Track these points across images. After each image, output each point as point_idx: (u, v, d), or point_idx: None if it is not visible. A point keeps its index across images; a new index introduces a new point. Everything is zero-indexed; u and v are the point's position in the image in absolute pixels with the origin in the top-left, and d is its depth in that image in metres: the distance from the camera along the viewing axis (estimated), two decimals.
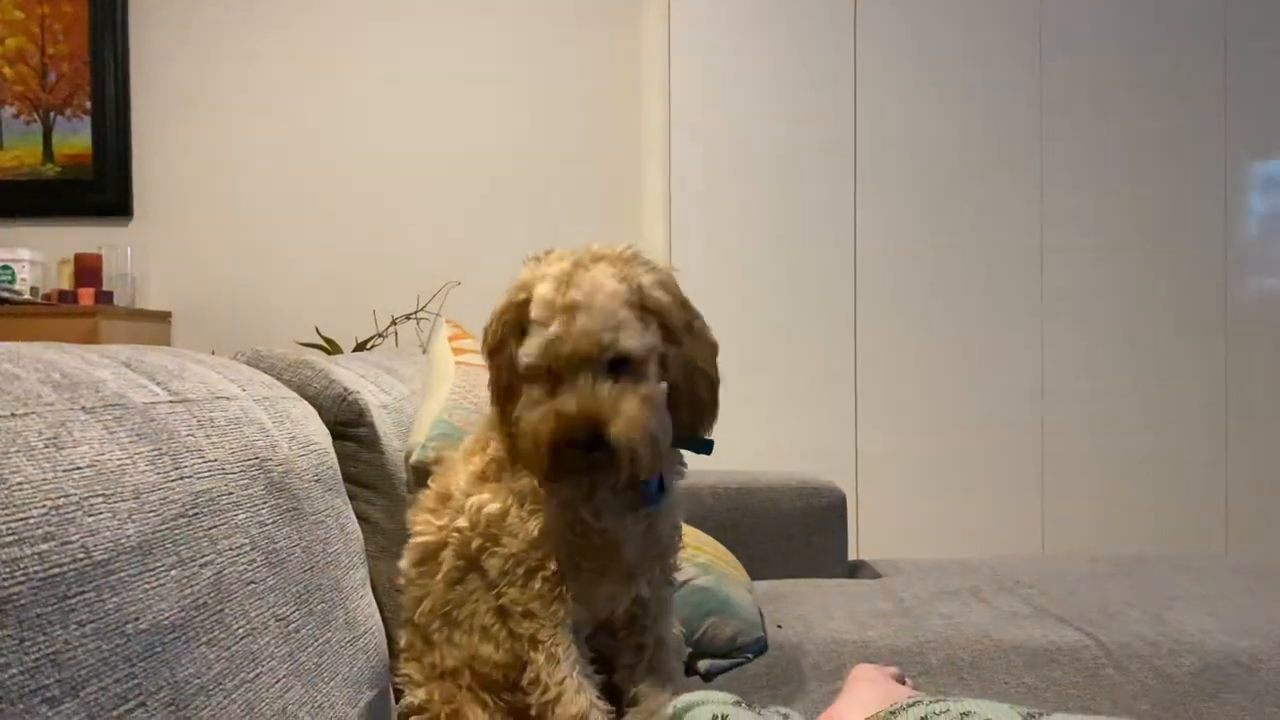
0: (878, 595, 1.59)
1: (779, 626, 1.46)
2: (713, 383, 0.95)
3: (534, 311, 0.88)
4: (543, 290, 0.88)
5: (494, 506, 0.95)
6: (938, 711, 0.74)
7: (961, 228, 3.02)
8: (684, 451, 1.02)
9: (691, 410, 0.93)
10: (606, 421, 0.84)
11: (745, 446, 2.88)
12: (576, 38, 3.39)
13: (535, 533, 0.93)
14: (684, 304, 0.94)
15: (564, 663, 0.92)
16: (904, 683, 0.96)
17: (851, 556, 2.06)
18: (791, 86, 2.99)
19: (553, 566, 0.93)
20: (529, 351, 0.88)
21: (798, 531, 1.94)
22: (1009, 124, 3.02)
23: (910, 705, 0.77)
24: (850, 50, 2.98)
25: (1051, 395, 3.03)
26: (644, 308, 0.89)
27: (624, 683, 0.99)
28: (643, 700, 0.96)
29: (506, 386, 0.92)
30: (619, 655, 1.01)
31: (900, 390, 2.99)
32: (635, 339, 0.87)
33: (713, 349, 0.97)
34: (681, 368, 0.91)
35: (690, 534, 1.61)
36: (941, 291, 3.01)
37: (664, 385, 0.89)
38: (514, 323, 0.91)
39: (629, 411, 0.85)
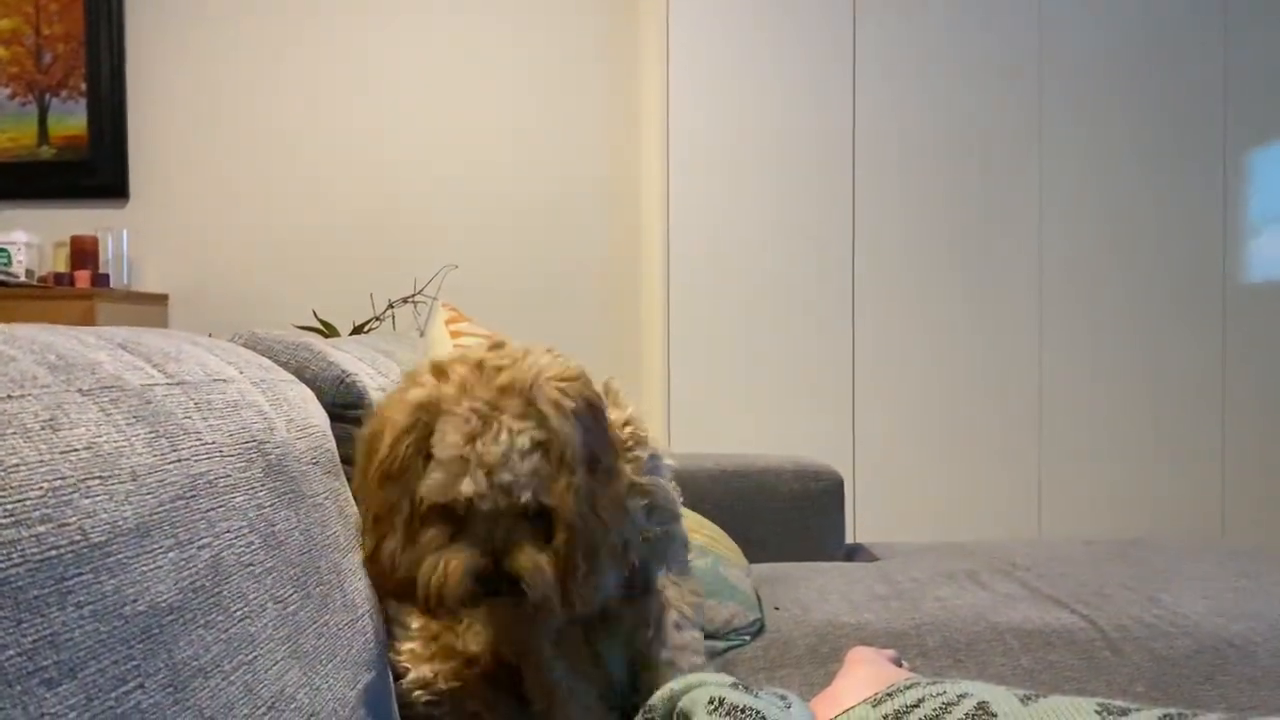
0: (874, 578, 1.60)
1: (776, 609, 1.46)
2: (603, 530, 0.86)
3: (439, 452, 0.82)
4: (450, 435, 0.82)
5: None
6: (934, 693, 0.74)
7: (960, 212, 3.01)
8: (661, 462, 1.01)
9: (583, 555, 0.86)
10: (522, 577, 0.82)
11: (743, 430, 2.90)
12: (575, 22, 3.38)
13: None
14: (604, 446, 0.88)
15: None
16: (900, 665, 0.96)
17: (848, 540, 2.07)
18: (790, 74, 2.98)
19: None
20: (436, 497, 0.82)
21: (795, 515, 1.94)
22: (1008, 111, 3.02)
23: (907, 687, 0.77)
24: (849, 39, 2.97)
25: (1049, 379, 3.03)
26: (560, 458, 0.83)
27: None
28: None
29: (400, 520, 0.84)
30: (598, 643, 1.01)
31: (897, 374, 3.00)
32: (550, 493, 0.83)
33: (616, 501, 0.89)
34: (585, 502, 0.85)
35: (688, 516, 1.61)
36: (939, 276, 3.01)
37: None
38: (416, 448, 0.84)
39: (543, 566, 0.82)
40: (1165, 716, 0.64)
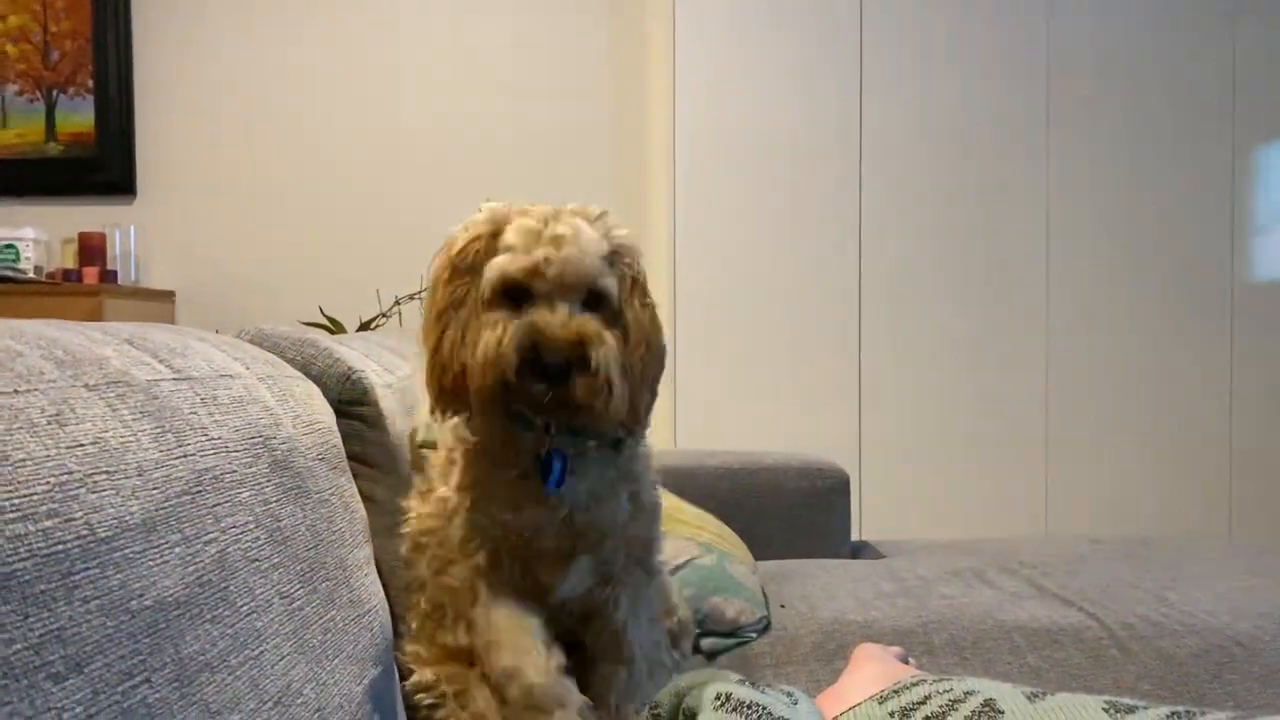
0: (881, 576, 1.60)
1: (782, 606, 1.46)
2: (658, 355, 0.89)
3: (512, 238, 0.84)
4: (524, 222, 0.85)
5: (427, 509, 0.95)
6: (941, 690, 0.74)
7: (967, 211, 3.01)
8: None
9: (649, 338, 0.88)
10: (590, 342, 0.80)
11: (749, 428, 2.90)
12: (581, 20, 3.38)
13: (461, 532, 0.92)
14: (642, 272, 0.91)
15: (495, 615, 0.91)
16: (907, 663, 0.96)
17: (854, 537, 2.06)
18: (797, 72, 2.98)
19: (483, 555, 0.92)
20: (507, 266, 0.83)
21: (801, 512, 1.94)
22: (1016, 108, 3.01)
23: (913, 684, 0.77)
24: (856, 35, 2.97)
25: (1056, 378, 3.02)
26: (614, 262, 0.87)
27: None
28: (593, 686, 0.95)
29: (465, 313, 0.85)
30: (587, 639, 1.00)
31: (904, 372, 2.99)
32: (612, 281, 0.85)
33: (658, 329, 0.91)
34: (633, 329, 0.86)
35: (693, 514, 1.61)
36: (946, 274, 3.00)
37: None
38: (487, 249, 0.86)
39: (610, 341, 0.81)
40: (1173, 714, 0.64)
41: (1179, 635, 1.30)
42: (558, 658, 0.91)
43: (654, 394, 0.89)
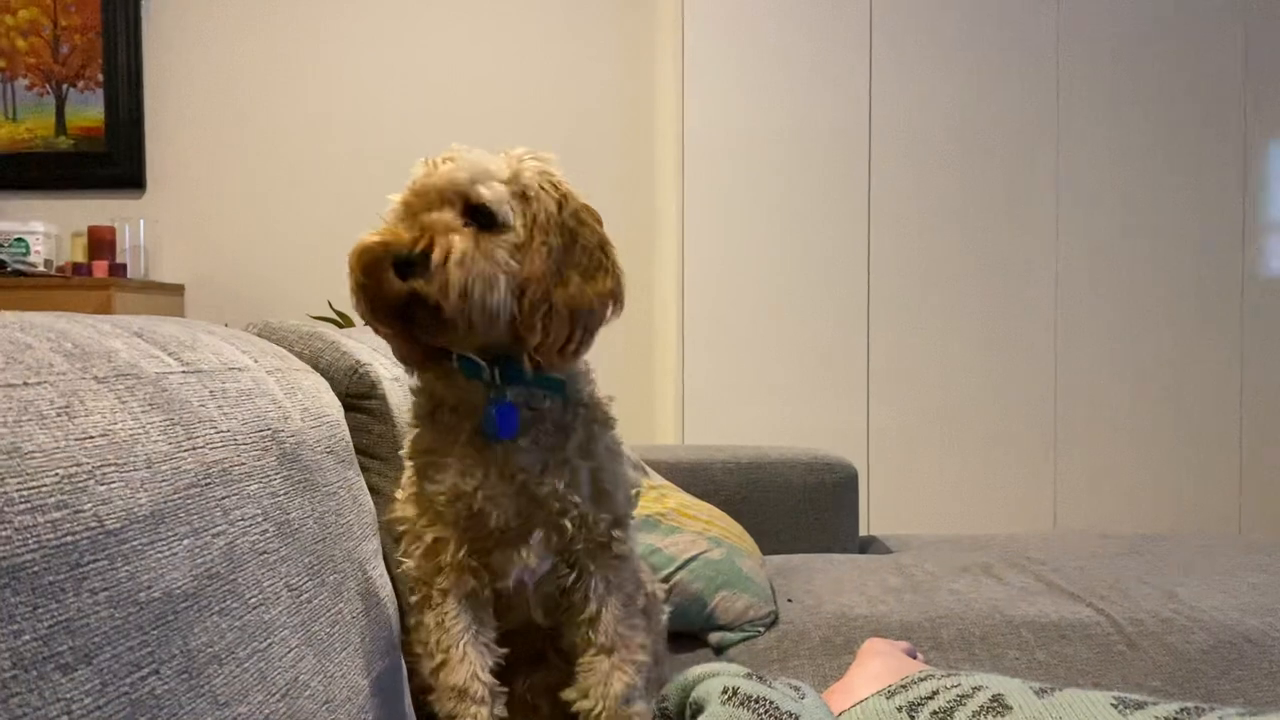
0: (889, 570, 1.60)
1: (790, 601, 1.46)
2: (601, 244, 0.89)
3: (416, 168, 0.88)
4: (435, 156, 0.89)
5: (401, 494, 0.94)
6: (949, 685, 0.73)
7: (976, 205, 3.00)
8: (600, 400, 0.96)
9: (582, 272, 0.87)
10: (432, 240, 0.80)
11: (757, 422, 2.90)
12: (590, 16, 3.37)
13: (413, 500, 0.90)
14: (565, 196, 0.89)
15: (452, 630, 0.89)
16: (915, 658, 0.95)
17: (862, 533, 2.06)
18: (806, 67, 2.97)
19: (429, 536, 0.89)
20: (404, 189, 0.86)
21: (809, 507, 1.94)
22: (1026, 103, 3.00)
23: (921, 679, 0.77)
24: (865, 31, 2.96)
25: (1065, 373, 3.02)
26: (522, 195, 0.87)
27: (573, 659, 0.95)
28: (581, 676, 0.93)
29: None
30: (564, 632, 0.97)
31: (912, 367, 2.99)
32: (497, 197, 0.84)
33: (594, 231, 0.90)
34: (558, 232, 0.86)
35: (701, 508, 1.61)
36: (955, 269, 3.00)
37: (518, 240, 0.85)
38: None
39: (461, 243, 0.80)
40: (1182, 710, 0.63)
41: (1188, 631, 1.29)
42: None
43: (575, 334, 0.86)
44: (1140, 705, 0.66)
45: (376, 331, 0.88)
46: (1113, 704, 0.66)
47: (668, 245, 3.08)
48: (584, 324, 0.85)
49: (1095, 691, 0.69)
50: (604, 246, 0.89)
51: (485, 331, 0.82)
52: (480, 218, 0.84)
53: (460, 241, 0.80)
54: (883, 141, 2.97)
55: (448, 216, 0.82)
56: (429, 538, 0.89)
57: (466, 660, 0.88)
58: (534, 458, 0.88)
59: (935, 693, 0.74)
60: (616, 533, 0.94)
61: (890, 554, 1.83)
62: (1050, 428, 3.02)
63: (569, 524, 0.90)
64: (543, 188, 0.87)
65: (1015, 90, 2.99)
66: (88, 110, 3.38)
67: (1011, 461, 3.01)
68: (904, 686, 0.77)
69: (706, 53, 2.95)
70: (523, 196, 0.86)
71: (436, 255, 0.79)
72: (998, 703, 0.69)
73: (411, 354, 0.89)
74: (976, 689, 0.72)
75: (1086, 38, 2.99)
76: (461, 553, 0.89)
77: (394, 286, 0.82)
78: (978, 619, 1.36)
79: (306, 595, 0.72)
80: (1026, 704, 0.69)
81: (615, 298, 0.88)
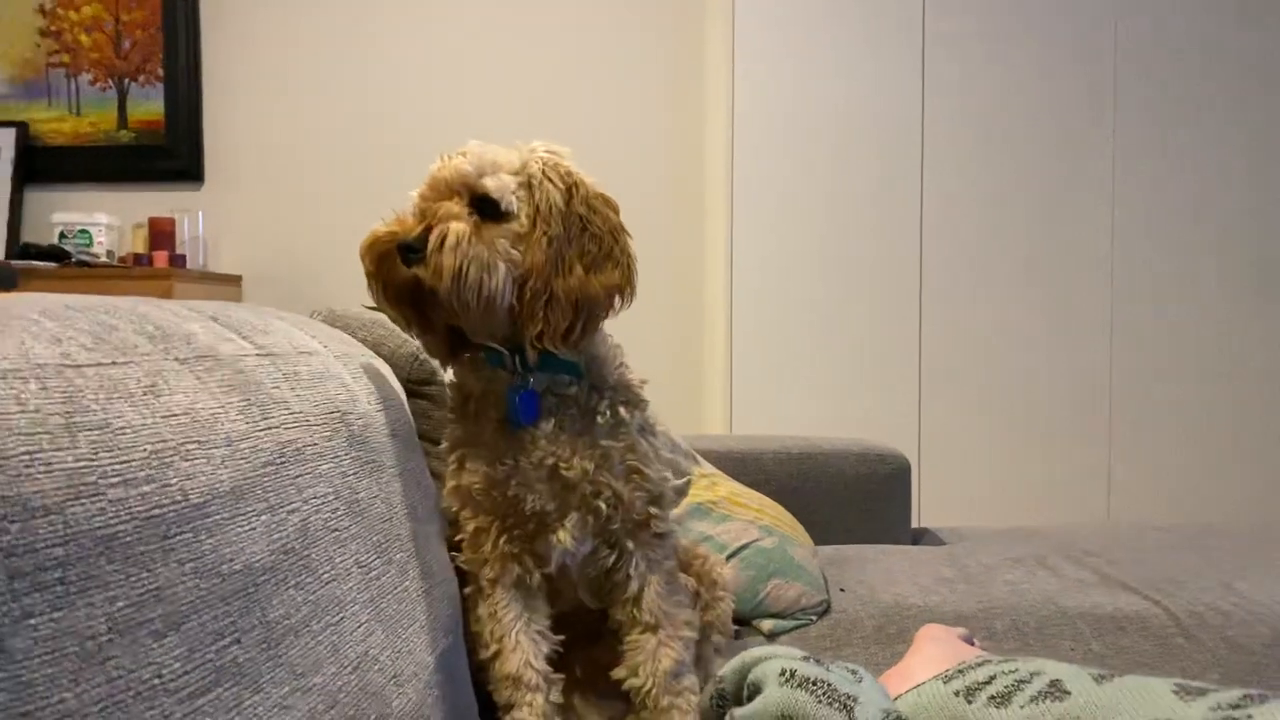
0: (941, 561, 1.59)
1: (842, 590, 1.46)
2: (613, 232, 0.90)
3: (435, 164, 0.91)
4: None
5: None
6: (1007, 670, 0.74)
7: (1030, 198, 2.97)
8: (631, 381, 0.97)
9: (589, 262, 0.88)
10: (436, 223, 0.84)
11: (806, 413, 2.89)
12: (640, 8, 3.38)
13: (454, 492, 0.93)
14: (575, 185, 0.90)
15: (504, 620, 0.91)
16: (972, 644, 0.96)
17: (914, 524, 2.06)
18: (858, 58, 2.96)
19: (471, 527, 0.92)
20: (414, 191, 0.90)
21: (860, 498, 1.93)
22: (1082, 94, 2.97)
23: (979, 664, 0.77)
24: (919, 21, 2.94)
25: (1120, 364, 2.98)
26: (529, 185, 0.89)
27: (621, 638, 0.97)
28: (629, 654, 0.95)
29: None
30: (610, 611, 0.99)
31: (965, 357, 2.97)
32: (501, 187, 0.87)
33: (607, 219, 0.91)
34: (562, 221, 0.88)
35: (753, 497, 1.62)
36: (1009, 259, 2.97)
37: (522, 229, 0.87)
38: None
39: (457, 228, 0.83)
40: (1245, 697, 0.63)
41: (1249, 624, 1.28)
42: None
43: (577, 323, 0.87)
44: (1202, 692, 0.66)
45: (392, 319, 0.92)
46: (1174, 690, 0.66)
47: (717, 236, 3.08)
48: (586, 313, 0.87)
49: (1155, 678, 0.69)
50: (616, 235, 0.91)
51: (483, 317, 0.85)
52: (485, 208, 0.86)
53: (456, 227, 0.83)
54: (935, 132, 2.95)
55: (453, 206, 0.85)
56: (470, 528, 0.92)
57: (519, 649, 0.91)
58: (561, 442, 0.90)
59: (993, 677, 0.74)
60: (654, 510, 0.95)
61: (943, 545, 1.83)
62: (1105, 419, 2.99)
63: (604, 505, 0.92)
64: (549, 178, 0.89)
65: (1071, 80, 2.95)
66: (148, 104, 3.45)
67: (1065, 454, 2.98)
68: (961, 671, 0.77)
69: (758, 41, 2.94)
70: (529, 187, 0.88)
71: (432, 240, 0.83)
72: (1056, 688, 0.69)
73: (437, 347, 0.93)
74: (1035, 674, 0.72)
75: (1144, 27, 2.95)
76: (502, 540, 0.91)
77: (400, 273, 0.85)
78: (1032, 610, 1.35)
79: (375, 572, 0.74)
80: (1085, 689, 0.69)
81: (622, 289, 0.90)
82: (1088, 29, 2.94)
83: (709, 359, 3.25)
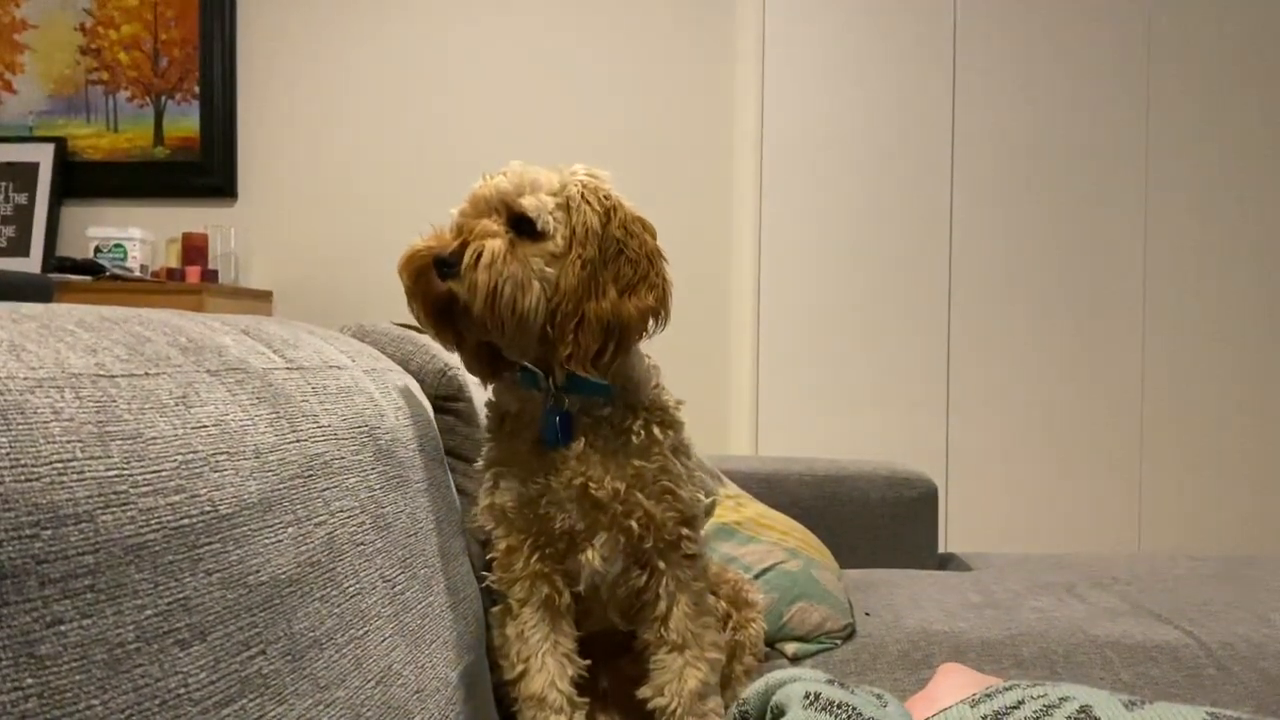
0: (968, 587, 1.58)
1: (867, 614, 1.45)
2: (649, 255, 0.90)
3: (477, 184, 0.92)
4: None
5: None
6: (1035, 695, 0.73)
7: (1061, 220, 2.95)
8: (667, 402, 0.97)
9: (623, 285, 0.88)
10: (471, 240, 0.84)
11: (832, 435, 2.88)
12: (670, 22, 3.39)
13: (487, 510, 0.92)
14: (613, 209, 0.91)
15: (530, 640, 0.91)
16: None
17: (941, 549, 2.04)
18: (888, 76, 2.95)
19: (503, 545, 0.91)
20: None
21: (886, 522, 1.92)
22: (1114, 117, 2.95)
23: (1007, 689, 0.76)
24: (949, 41, 2.93)
25: (1152, 390, 2.95)
26: (566, 207, 0.89)
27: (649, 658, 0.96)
28: (655, 674, 0.94)
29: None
30: (638, 631, 0.98)
31: (993, 382, 2.95)
32: (539, 206, 0.87)
33: (644, 243, 0.91)
34: (597, 244, 0.88)
35: (778, 519, 1.61)
36: (1038, 282, 2.95)
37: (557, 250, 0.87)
38: None
39: (493, 246, 0.83)
40: None
41: None
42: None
43: (608, 346, 0.87)
44: None
45: (431, 336, 0.92)
46: (1207, 716, 0.65)
47: (744, 255, 3.08)
48: (618, 336, 0.87)
49: (1187, 706, 0.68)
50: (652, 259, 0.91)
51: (516, 335, 0.86)
52: (523, 227, 0.87)
53: (491, 244, 0.83)
54: (965, 152, 2.94)
55: (490, 223, 0.86)
56: (502, 546, 0.92)
57: (545, 670, 0.90)
58: (593, 461, 0.90)
59: (1021, 702, 0.73)
60: (685, 531, 0.95)
61: (970, 571, 1.81)
62: (1135, 446, 2.95)
63: (635, 524, 0.91)
64: (587, 200, 0.89)
65: (1103, 98, 2.94)
66: (184, 121, 3.49)
67: (1095, 479, 2.95)
68: (989, 695, 0.76)
69: (787, 59, 2.95)
70: (567, 208, 0.89)
71: (467, 257, 0.83)
72: (1085, 714, 0.68)
73: (478, 366, 0.93)
74: (1064, 699, 0.71)
75: (1177, 49, 2.93)
76: (534, 559, 0.91)
77: (436, 288, 0.86)
78: (1060, 637, 1.34)
79: (400, 587, 0.74)
80: (1115, 716, 0.68)
81: (656, 312, 0.90)
82: (1121, 47, 2.93)
83: (735, 379, 3.25)
